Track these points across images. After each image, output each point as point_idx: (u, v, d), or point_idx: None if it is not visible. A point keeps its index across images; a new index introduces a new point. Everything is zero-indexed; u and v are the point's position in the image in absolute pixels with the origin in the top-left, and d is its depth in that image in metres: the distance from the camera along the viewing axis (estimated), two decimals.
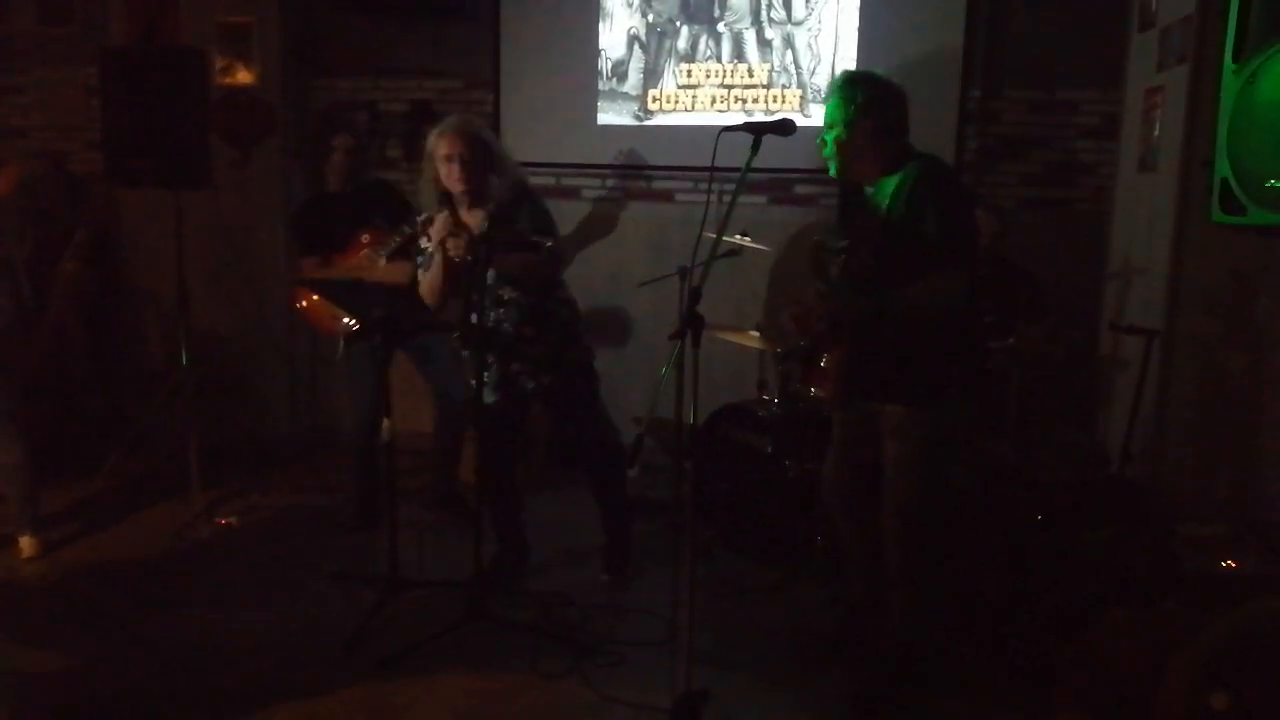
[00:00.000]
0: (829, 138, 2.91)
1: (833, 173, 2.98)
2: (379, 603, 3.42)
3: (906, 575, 2.97)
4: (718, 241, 2.88)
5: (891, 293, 2.77)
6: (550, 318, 3.51)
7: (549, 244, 3.30)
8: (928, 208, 2.76)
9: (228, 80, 5.17)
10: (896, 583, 3.01)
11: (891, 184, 2.84)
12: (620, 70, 5.12)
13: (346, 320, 3.91)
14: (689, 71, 5.06)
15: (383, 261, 3.94)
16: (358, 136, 4.14)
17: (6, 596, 3.63)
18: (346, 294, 3.72)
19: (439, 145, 3.34)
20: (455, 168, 3.31)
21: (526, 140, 5.06)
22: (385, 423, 3.47)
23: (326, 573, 3.78)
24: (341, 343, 4.01)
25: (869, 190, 2.96)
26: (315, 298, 4.06)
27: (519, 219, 3.35)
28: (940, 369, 2.89)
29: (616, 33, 5.10)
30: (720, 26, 5.01)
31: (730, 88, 5.03)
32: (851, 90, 2.87)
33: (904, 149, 2.91)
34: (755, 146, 2.68)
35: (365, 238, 3.95)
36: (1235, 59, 2.59)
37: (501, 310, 3.46)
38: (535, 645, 3.26)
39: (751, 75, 5.00)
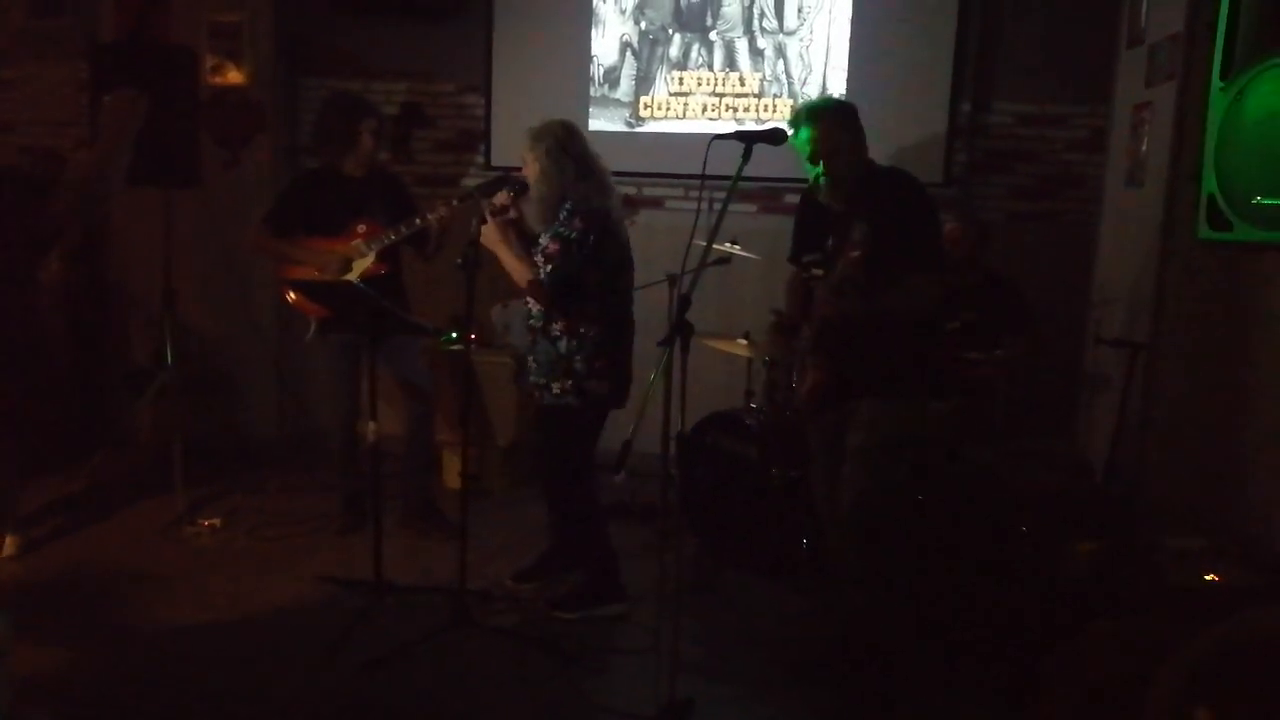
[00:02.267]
0: (815, 172, 3.01)
1: (826, 196, 3.05)
2: (364, 607, 3.41)
3: (868, 570, 3.02)
4: (707, 249, 2.89)
5: (879, 294, 2.86)
6: (548, 341, 3.42)
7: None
8: (909, 216, 2.90)
9: (218, 80, 5.15)
10: (855, 577, 3.05)
11: (868, 196, 2.89)
12: (612, 77, 5.13)
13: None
14: (681, 79, 5.07)
15: (371, 257, 3.93)
16: (379, 118, 4.09)
17: None
18: (332, 296, 3.70)
19: None
20: (525, 170, 3.40)
21: (516, 145, 5.04)
22: (370, 425, 3.46)
23: (311, 576, 3.76)
24: (313, 324, 3.98)
25: (837, 204, 3.01)
26: (295, 272, 3.99)
27: (556, 229, 3.35)
28: (909, 366, 3.02)
29: (609, 39, 5.11)
30: (712, 35, 5.02)
31: (721, 96, 5.05)
32: (835, 113, 2.99)
33: (870, 165, 3.05)
34: (746, 155, 2.69)
35: (361, 228, 3.93)
36: (1223, 76, 2.61)
37: (529, 304, 3.49)
38: (520, 652, 3.25)
39: (743, 84, 5.02)
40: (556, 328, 3.40)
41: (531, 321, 3.47)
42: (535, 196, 3.39)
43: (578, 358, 3.38)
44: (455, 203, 3.81)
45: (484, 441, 4.82)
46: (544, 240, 3.39)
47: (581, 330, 3.39)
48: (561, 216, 3.36)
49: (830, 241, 3.00)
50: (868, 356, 2.97)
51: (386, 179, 4.19)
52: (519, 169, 3.52)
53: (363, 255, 3.93)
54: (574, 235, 3.31)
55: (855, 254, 2.81)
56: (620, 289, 3.47)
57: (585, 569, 3.62)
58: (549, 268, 3.32)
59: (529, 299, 3.47)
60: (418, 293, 4.32)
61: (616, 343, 3.45)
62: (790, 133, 2.98)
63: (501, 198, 3.41)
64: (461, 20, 5.18)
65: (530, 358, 3.49)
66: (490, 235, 3.36)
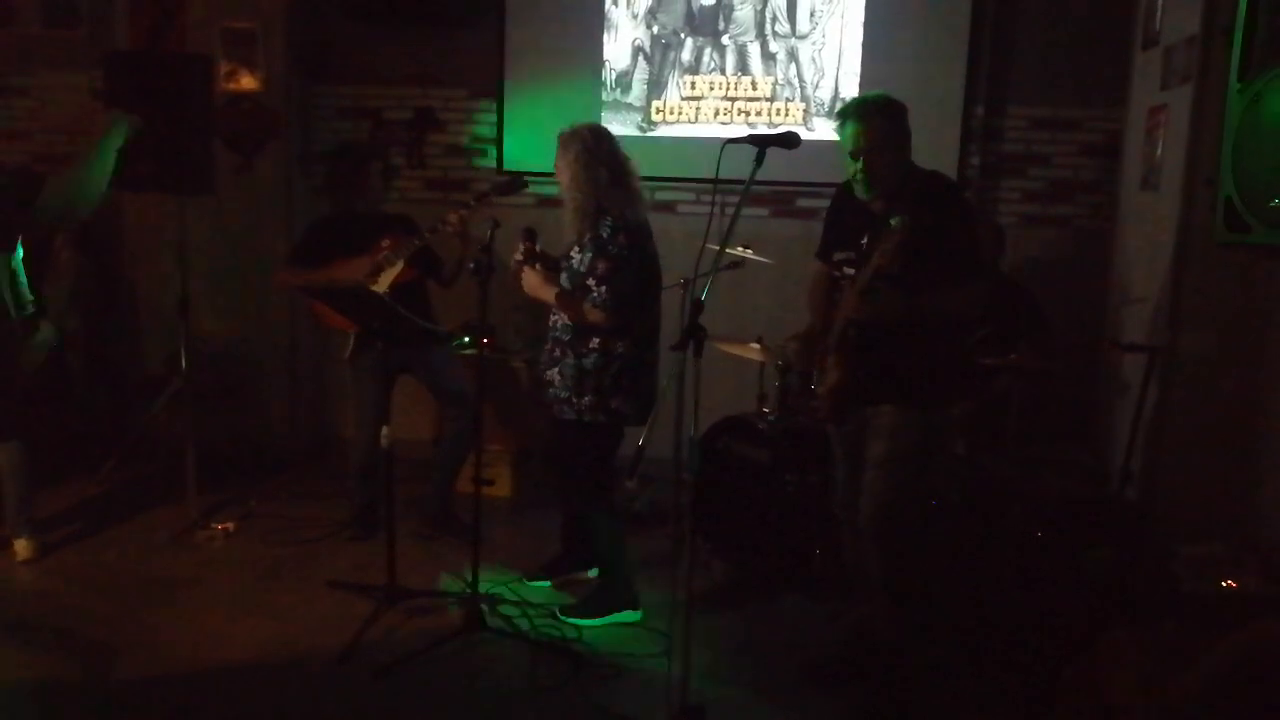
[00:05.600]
0: (854, 169, 2.93)
1: (862, 194, 2.97)
2: (376, 612, 3.41)
3: (889, 581, 2.99)
4: (720, 253, 2.88)
5: (922, 298, 2.81)
6: (573, 356, 3.38)
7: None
8: (953, 219, 2.86)
9: (232, 86, 5.17)
10: (880, 589, 3.02)
11: (909, 198, 2.83)
12: (624, 81, 5.13)
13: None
14: (693, 83, 5.07)
15: (400, 264, 3.98)
16: (384, 159, 4.25)
17: (0, 599, 3.61)
18: (349, 301, 3.72)
19: None
20: (558, 177, 3.39)
21: (528, 150, 5.07)
22: (383, 430, 3.47)
23: (323, 581, 3.77)
24: (352, 339, 4.03)
25: (874, 205, 2.95)
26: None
27: (585, 247, 3.32)
28: (934, 373, 2.96)
29: (621, 44, 5.11)
30: (725, 39, 5.02)
31: (734, 100, 5.04)
32: (874, 117, 2.90)
33: (912, 167, 2.98)
34: (759, 159, 2.68)
35: (385, 242, 4.03)
36: (1240, 78, 2.59)
37: (555, 319, 3.47)
38: (532, 657, 3.25)
39: (755, 88, 5.01)
40: (589, 345, 3.36)
41: (557, 335, 3.43)
42: (570, 206, 3.35)
43: (605, 374, 3.35)
44: (473, 202, 3.87)
45: (500, 446, 4.81)
46: (585, 259, 3.31)
47: (610, 348, 3.36)
48: (605, 233, 3.28)
49: (865, 240, 2.94)
50: (889, 363, 2.93)
51: (399, 218, 4.30)
52: (532, 174, 3.52)
53: (392, 263, 3.99)
54: (624, 252, 3.28)
55: (890, 245, 2.70)
56: (646, 304, 3.42)
57: (600, 576, 3.62)
58: (603, 289, 3.27)
59: (552, 314, 3.45)
60: (432, 298, 4.33)
61: (642, 359, 3.42)
62: (836, 124, 2.96)
63: (523, 249, 3.42)
64: (474, 26, 5.19)
65: (553, 371, 3.44)
66: (532, 282, 3.39)
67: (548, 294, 3.38)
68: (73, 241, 5.05)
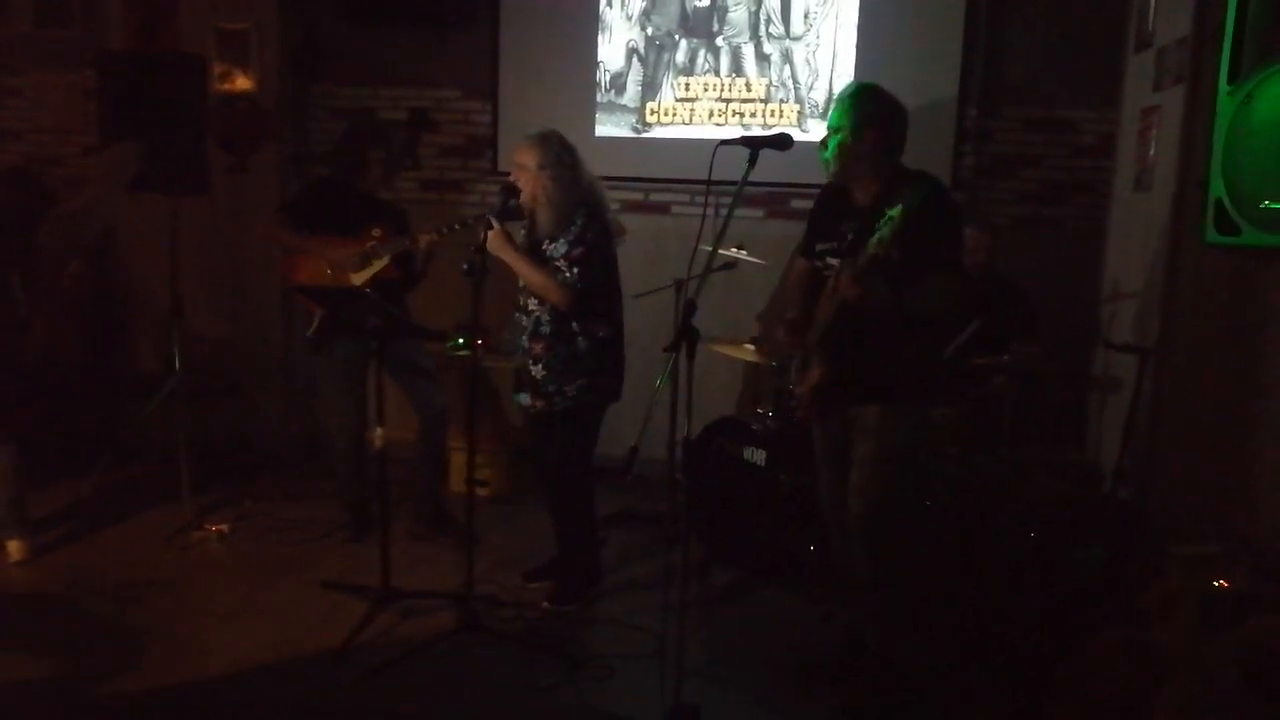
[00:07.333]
0: (833, 141, 2.94)
1: (830, 175, 3.00)
2: (370, 612, 3.41)
3: (876, 582, 2.99)
4: (714, 254, 2.88)
5: (906, 293, 2.82)
6: (563, 344, 3.46)
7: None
8: (944, 221, 2.86)
9: (226, 87, 5.17)
10: (868, 590, 3.03)
11: (901, 197, 2.83)
12: (619, 82, 5.14)
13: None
14: (687, 85, 5.07)
15: (386, 259, 3.98)
16: (390, 149, 4.21)
17: None
18: (340, 303, 3.72)
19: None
20: (518, 176, 3.44)
21: None
22: (378, 431, 3.47)
23: (317, 582, 3.77)
24: (315, 320, 4.02)
25: (862, 202, 2.96)
26: (305, 266, 4.06)
27: (559, 237, 3.42)
28: (918, 372, 2.97)
29: (615, 45, 5.11)
30: (719, 41, 5.03)
31: (728, 101, 5.05)
32: (863, 99, 2.93)
33: (900, 166, 2.97)
34: (752, 160, 2.69)
35: (376, 231, 4.01)
36: (1230, 80, 2.61)
37: (525, 319, 3.52)
38: (527, 657, 3.25)
39: (749, 89, 5.02)
40: (572, 328, 3.45)
41: (542, 329, 3.47)
42: (550, 203, 3.41)
43: (592, 357, 3.48)
44: (470, 220, 3.85)
45: (494, 447, 4.81)
46: (561, 246, 3.41)
47: (594, 331, 3.48)
48: (579, 222, 3.41)
49: (850, 233, 2.94)
50: (873, 362, 2.94)
51: (390, 204, 4.28)
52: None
53: (379, 256, 3.98)
54: (599, 241, 3.42)
55: (888, 231, 2.63)
56: (616, 293, 3.57)
57: (568, 558, 3.72)
58: (576, 270, 3.38)
59: (532, 309, 3.49)
60: (425, 299, 4.33)
61: (618, 340, 3.57)
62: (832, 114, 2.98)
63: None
64: (468, 26, 5.18)
65: (538, 367, 3.49)
66: (496, 243, 3.39)
67: (511, 256, 3.41)
68: (82, 256, 5.05)
